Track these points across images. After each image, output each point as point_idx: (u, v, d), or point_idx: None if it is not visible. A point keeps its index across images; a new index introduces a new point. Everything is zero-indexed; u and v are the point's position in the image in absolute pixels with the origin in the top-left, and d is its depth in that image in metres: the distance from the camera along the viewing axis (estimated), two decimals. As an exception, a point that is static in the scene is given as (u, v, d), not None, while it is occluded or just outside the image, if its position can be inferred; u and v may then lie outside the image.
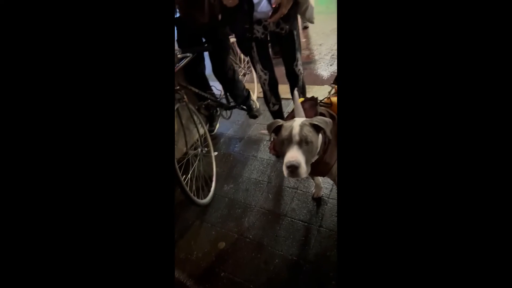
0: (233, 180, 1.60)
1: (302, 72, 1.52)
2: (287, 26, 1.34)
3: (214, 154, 1.80)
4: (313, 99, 1.04)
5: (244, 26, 1.33)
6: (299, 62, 1.49)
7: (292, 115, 0.99)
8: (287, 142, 0.81)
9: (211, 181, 1.58)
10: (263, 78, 1.49)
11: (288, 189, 1.46)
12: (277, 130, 0.87)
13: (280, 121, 0.88)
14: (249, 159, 1.73)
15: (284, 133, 0.82)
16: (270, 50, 1.49)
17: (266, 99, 1.60)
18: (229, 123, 2.09)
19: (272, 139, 0.95)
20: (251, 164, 1.69)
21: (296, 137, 0.79)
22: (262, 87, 1.54)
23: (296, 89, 1.10)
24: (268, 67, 1.46)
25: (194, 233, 1.37)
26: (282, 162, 0.81)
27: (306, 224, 1.27)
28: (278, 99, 1.60)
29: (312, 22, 1.45)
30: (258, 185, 1.54)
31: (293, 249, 1.18)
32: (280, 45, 1.46)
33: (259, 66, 1.44)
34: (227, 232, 1.32)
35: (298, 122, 0.83)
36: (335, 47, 2.95)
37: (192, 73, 1.68)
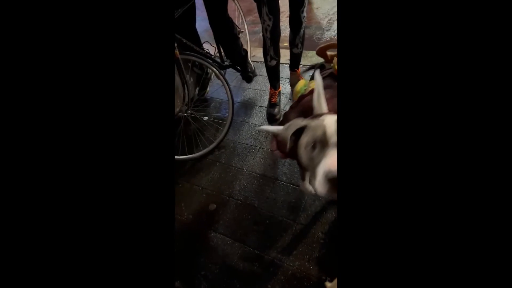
0: (224, 145, 1.57)
1: (306, 20, 1.48)
2: None
3: (204, 118, 1.75)
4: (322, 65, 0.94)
5: None
6: (305, 9, 1.44)
7: (304, 106, 0.81)
8: (321, 145, 0.61)
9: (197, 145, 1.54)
10: (266, 23, 1.40)
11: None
12: (298, 132, 0.67)
13: (300, 122, 0.67)
14: (241, 125, 1.69)
15: (315, 133, 0.62)
16: None
17: (264, 51, 1.53)
18: (220, 87, 2.01)
19: (273, 137, 0.77)
20: (243, 129, 1.66)
21: (335, 138, 0.60)
22: (263, 34, 1.45)
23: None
24: (274, 12, 1.37)
25: (184, 195, 1.36)
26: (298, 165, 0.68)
27: (297, 187, 1.27)
28: (277, 53, 1.53)
29: None
30: (250, 150, 1.52)
31: (284, 211, 1.19)
32: None
33: (265, 9, 1.35)
34: (218, 195, 1.32)
35: (332, 119, 0.63)
36: (332, 11, 2.82)
37: (183, 26, 1.55)
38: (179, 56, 1.37)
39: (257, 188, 1.31)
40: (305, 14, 1.47)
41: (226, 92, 1.50)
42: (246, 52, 1.79)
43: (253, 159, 1.46)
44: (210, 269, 1.06)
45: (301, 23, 1.49)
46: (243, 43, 1.79)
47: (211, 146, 1.51)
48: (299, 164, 0.72)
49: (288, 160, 1.40)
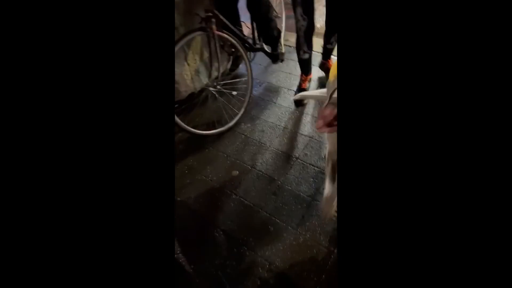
0: (251, 121, 1.65)
1: None
2: None
3: (234, 93, 1.82)
4: None
5: None
6: None
7: None
8: None
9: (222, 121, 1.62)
10: (300, 23, 1.45)
11: (303, 136, 1.53)
12: None
13: None
14: (268, 104, 1.76)
15: None
16: None
17: (298, 46, 1.58)
18: (252, 65, 2.07)
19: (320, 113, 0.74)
20: (269, 108, 1.73)
21: None
22: (297, 32, 1.51)
23: None
24: (308, 12, 1.41)
25: (209, 159, 1.45)
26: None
27: (316, 168, 1.35)
28: (310, 47, 1.57)
29: None
30: (274, 128, 1.59)
31: (302, 187, 1.28)
32: None
33: (299, 11, 1.39)
34: (241, 163, 1.41)
35: None
36: None
37: (225, 4, 1.61)
38: (215, 32, 1.42)
39: (278, 163, 1.40)
40: None
41: (247, 71, 1.58)
42: (279, 33, 1.85)
43: (276, 137, 1.54)
44: (229, 226, 1.16)
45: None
46: (279, 26, 1.84)
47: (230, 124, 1.57)
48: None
49: (310, 143, 1.48)
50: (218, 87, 1.64)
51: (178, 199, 1.28)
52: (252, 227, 1.15)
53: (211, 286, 0.99)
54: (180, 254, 1.08)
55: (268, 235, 1.12)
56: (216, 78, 1.61)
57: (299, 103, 1.72)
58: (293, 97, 1.71)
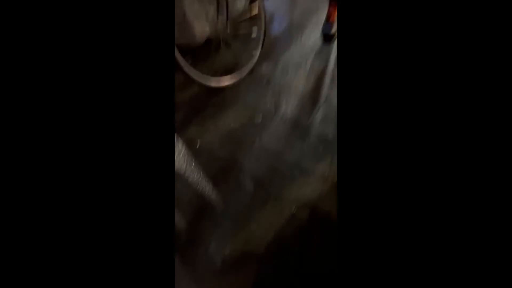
0: (273, 62, 1.52)
1: None
2: None
3: (253, 35, 1.66)
4: None
5: None
6: None
7: None
8: None
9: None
10: None
11: (329, 76, 1.39)
12: None
13: None
14: (292, 42, 1.59)
15: None
16: None
17: None
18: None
19: None
20: (293, 47, 1.57)
21: None
22: None
23: None
24: None
25: (230, 105, 1.39)
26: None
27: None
28: None
29: None
30: (299, 68, 1.46)
31: (328, 129, 1.20)
32: None
33: None
34: (263, 109, 1.34)
35: None
36: None
37: None
38: None
39: (303, 106, 1.30)
40: None
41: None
42: None
43: (300, 78, 1.42)
44: (255, 171, 1.14)
45: None
46: None
47: (246, 70, 1.43)
48: None
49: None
50: (232, 29, 1.48)
51: (200, 146, 1.26)
52: (278, 171, 1.12)
53: (237, 225, 1.01)
54: (206, 193, 1.10)
55: (294, 178, 1.09)
56: (227, 20, 1.44)
57: (330, 39, 1.53)
58: None
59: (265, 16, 1.41)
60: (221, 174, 1.13)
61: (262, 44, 1.46)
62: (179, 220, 0.99)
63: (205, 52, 1.60)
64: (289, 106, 1.32)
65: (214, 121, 1.34)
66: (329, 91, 1.33)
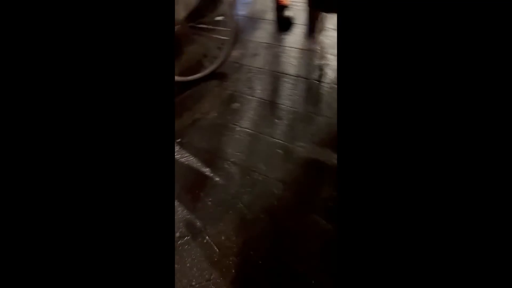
0: (242, 45, 1.50)
1: None
2: None
3: (218, 18, 1.62)
4: None
5: None
6: None
7: None
8: None
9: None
10: None
11: (301, 50, 1.39)
12: None
13: None
14: (258, 22, 1.57)
15: None
16: None
17: None
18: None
19: None
20: (260, 27, 1.55)
21: None
22: None
23: None
24: None
25: (205, 96, 1.38)
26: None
27: (319, 83, 1.25)
28: None
29: None
30: (269, 48, 1.45)
31: (306, 105, 1.21)
32: None
33: None
34: (239, 94, 1.33)
35: None
36: None
37: None
38: None
39: (278, 87, 1.31)
40: None
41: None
42: None
43: (271, 57, 1.41)
44: (238, 157, 1.15)
45: None
46: None
47: (216, 63, 1.40)
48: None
49: (309, 57, 1.34)
50: (195, 22, 1.43)
51: (181, 140, 1.26)
52: (261, 154, 1.14)
53: (230, 213, 1.03)
54: (195, 190, 1.11)
55: (277, 158, 1.11)
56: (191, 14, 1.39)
57: (288, 24, 1.49)
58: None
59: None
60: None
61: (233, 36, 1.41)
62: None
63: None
64: (264, 88, 1.32)
65: (192, 113, 1.33)
66: (299, 66, 1.33)
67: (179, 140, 1.24)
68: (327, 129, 1.13)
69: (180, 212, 1.00)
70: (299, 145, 1.11)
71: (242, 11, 1.67)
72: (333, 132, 1.11)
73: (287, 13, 1.48)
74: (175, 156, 1.16)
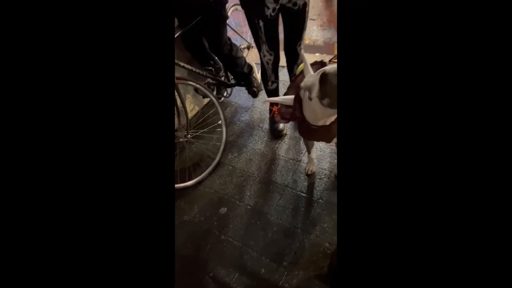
0: (238, 150, 1.61)
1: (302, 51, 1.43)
2: (302, 1, 1.22)
3: (221, 120, 1.79)
4: (322, 62, 1.02)
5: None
6: (303, 42, 1.41)
7: (298, 82, 0.97)
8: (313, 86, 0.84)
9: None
10: (267, 58, 1.40)
11: (291, 161, 1.48)
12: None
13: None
14: (255, 129, 1.72)
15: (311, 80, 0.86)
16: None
17: (264, 77, 1.53)
18: (236, 91, 2.04)
19: (279, 107, 1.07)
20: (256, 134, 1.69)
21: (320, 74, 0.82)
22: (264, 65, 1.45)
23: (302, 48, 1.32)
24: (274, 47, 1.36)
25: (197, 197, 1.41)
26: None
27: (306, 195, 1.30)
28: (277, 77, 1.53)
29: None
30: (262, 156, 1.55)
31: (292, 219, 1.22)
32: (287, 22, 1.34)
33: (265, 47, 1.34)
34: (229, 198, 1.37)
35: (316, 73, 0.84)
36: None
37: (193, 45, 1.59)
38: (176, 82, 1.37)
39: (267, 195, 1.35)
40: (302, 47, 1.42)
41: (220, 118, 1.56)
42: (251, 68, 1.77)
43: (264, 164, 1.50)
44: (219, 271, 1.11)
45: (297, 56, 1.46)
46: (251, 57, 1.76)
47: (206, 172, 1.50)
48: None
49: (299, 168, 1.42)
50: (191, 133, 1.57)
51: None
52: (243, 269, 1.09)
53: None
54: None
55: (258, 277, 1.06)
56: (185, 128, 1.54)
57: (278, 135, 1.63)
58: (265, 100, 1.67)
59: (226, 126, 1.54)
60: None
61: (224, 146, 1.53)
62: None
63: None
64: (253, 195, 1.36)
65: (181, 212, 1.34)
66: (291, 178, 1.39)
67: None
68: (312, 248, 1.11)
69: None
70: (282, 266, 1.07)
71: (241, 117, 1.85)
72: (317, 253, 1.09)
73: (280, 126, 1.65)
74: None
